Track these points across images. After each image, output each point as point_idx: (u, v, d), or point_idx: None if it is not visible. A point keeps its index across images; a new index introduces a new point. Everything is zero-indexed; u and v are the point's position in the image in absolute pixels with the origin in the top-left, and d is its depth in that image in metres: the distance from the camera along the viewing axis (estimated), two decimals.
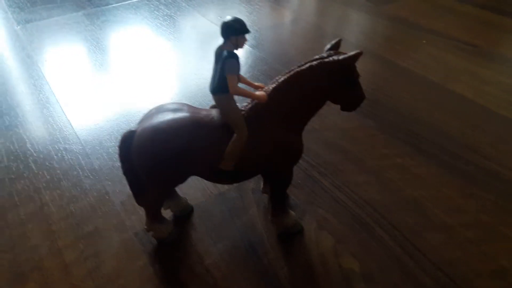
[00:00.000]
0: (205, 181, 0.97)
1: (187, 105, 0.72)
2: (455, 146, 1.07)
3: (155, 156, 0.68)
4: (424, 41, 1.53)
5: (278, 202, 0.81)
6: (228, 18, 0.63)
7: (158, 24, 1.65)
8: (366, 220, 0.88)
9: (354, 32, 1.64)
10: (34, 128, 1.12)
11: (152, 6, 1.78)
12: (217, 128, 0.69)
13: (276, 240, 0.84)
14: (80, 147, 1.05)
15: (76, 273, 0.77)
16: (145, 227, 0.81)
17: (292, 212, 0.85)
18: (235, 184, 0.96)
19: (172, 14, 1.71)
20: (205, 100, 1.22)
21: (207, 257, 0.80)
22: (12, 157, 1.03)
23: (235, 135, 0.68)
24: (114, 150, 1.03)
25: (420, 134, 1.11)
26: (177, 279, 0.76)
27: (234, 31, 0.62)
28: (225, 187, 0.95)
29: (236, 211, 0.90)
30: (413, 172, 1.00)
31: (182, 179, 0.74)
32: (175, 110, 0.69)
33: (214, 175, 0.72)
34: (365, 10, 1.76)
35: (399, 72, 1.37)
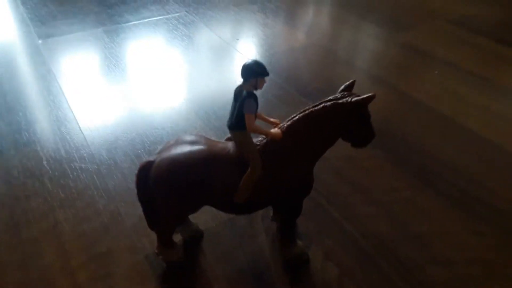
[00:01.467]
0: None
1: (204, 137, 0.75)
2: (463, 181, 1.08)
3: (172, 186, 0.70)
4: (436, 72, 1.55)
5: (287, 231, 0.84)
6: (249, 61, 0.66)
7: (176, 44, 1.69)
8: (372, 253, 0.90)
9: (367, 58, 1.67)
10: (52, 145, 1.15)
11: (171, 25, 1.82)
12: (233, 161, 0.71)
13: (283, 268, 0.86)
14: (96, 167, 1.08)
15: None
16: (156, 251, 0.83)
17: (300, 242, 0.87)
18: None
19: (190, 34, 1.75)
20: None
21: (216, 283, 0.82)
22: (28, 174, 1.06)
23: (249, 169, 0.70)
24: (129, 171, 1.05)
25: (428, 167, 1.13)
26: None
27: (254, 74, 0.65)
28: None
29: (245, 238, 0.92)
30: (420, 206, 1.02)
31: (196, 209, 0.77)
32: (192, 143, 0.72)
33: (228, 207, 0.74)
34: (379, 36, 1.79)
35: (409, 102, 1.39)
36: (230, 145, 0.74)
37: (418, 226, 0.96)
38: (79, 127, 1.22)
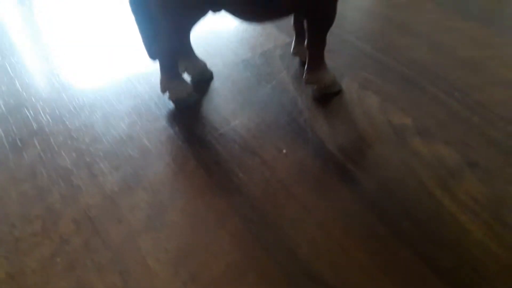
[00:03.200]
0: (223, 49, 0.84)
1: None
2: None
3: None
4: None
5: (316, 51, 0.68)
6: None
7: None
8: (416, 79, 0.75)
9: None
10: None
11: None
12: None
13: (312, 101, 0.71)
14: None
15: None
16: (161, 87, 0.69)
17: (330, 70, 0.72)
18: (258, 51, 0.83)
19: None
20: None
21: (233, 119, 0.69)
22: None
23: None
24: None
25: None
26: (200, 138, 0.65)
27: None
28: (248, 53, 0.83)
29: (264, 76, 0.77)
30: (466, 34, 0.85)
31: (199, 14, 0.61)
32: None
33: (246, 1, 0.59)
34: None
35: None
36: None
37: (469, 52, 0.81)
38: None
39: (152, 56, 0.68)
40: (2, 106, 0.74)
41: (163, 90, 0.69)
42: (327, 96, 0.72)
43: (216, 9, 0.62)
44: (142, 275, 0.47)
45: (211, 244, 0.50)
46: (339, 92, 0.73)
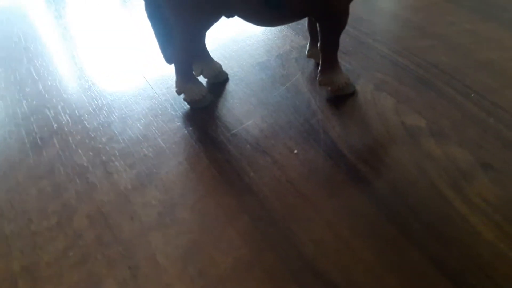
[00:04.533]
0: (240, 51, 0.85)
1: None
2: None
3: None
4: None
5: (329, 53, 0.69)
6: None
7: None
8: (432, 81, 0.74)
9: None
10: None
11: None
12: None
13: (326, 102, 0.72)
14: None
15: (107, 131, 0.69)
16: (176, 89, 0.71)
17: (344, 72, 0.73)
18: (274, 53, 0.84)
19: None
20: None
21: (246, 120, 0.69)
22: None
23: None
24: None
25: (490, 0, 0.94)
26: (213, 138, 0.66)
27: None
28: (263, 56, 0.83)
29: (278, 78, 0.78)
30: (486, 36, 0.84)
31: (212, 18, 0.62)
32: None
33: (256, 10, 0.60)
34: None
35: None
36: None
37: (487, 54, 0.79)
38: None
39: (168, 59, 0.70)
40: (25, 106, 0.77)
41: (179, 92, 0.71)
42: (341, 98, 0.72)
43: (229, 15, 0.63)
44: (151, 270, 0.48)
45: (219, 241, 0.51)
46: (353, 94, 0.73)
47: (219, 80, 0.78)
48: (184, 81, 0.70)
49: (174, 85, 0.74)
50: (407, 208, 0.53)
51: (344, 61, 0.80)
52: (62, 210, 0.56)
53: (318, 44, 0.69)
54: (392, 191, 0.56)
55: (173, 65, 0.72)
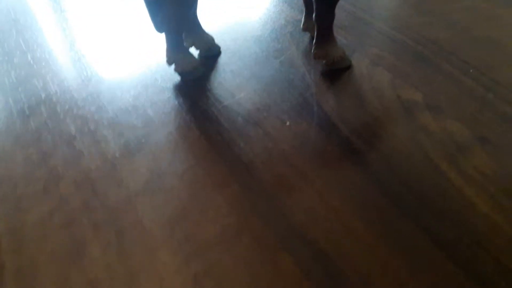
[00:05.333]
0: (234, 25, 0.84)
1: None
2: None
3: None
4: None
5: (324, 25, 0.67)
6: None
7: None
8: (430, 57, 0.73)
9: None
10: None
11: None
12: None
13: (320, 76, 0.70)
14: None
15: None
16: (167, 59, 0.69)
17: (339, 44, 0.71)
18: (268, 27, 0.82)
19: None
20: None
21: (239, 93, 0.68)
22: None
23: None
24: None
25: None
26: (203, 110, 0.64)
27: None
28: (258, 29, 0.82)
29: (272, 52, 0.76)
30: (485, 13, 0.83)
31: None
32: None
33: None
34: None
35: None
36: None
37: (486, 31, 0.78)
38: None
39: (158, 27, 0.68)
40: (13, 77, 0.75)
41: (169, 62, 0.69)
42: (336, 72, 0.71)
43: None
44: (137, 234, 0.47)
45: (208, 208, 0.50)
46: (348, 68, 0.71)
47: (211, 53, 0.76)
48: (175, 51, 0.68)
49: (165, 56, 0.72)
50: (400, 180, 0.52)
51: (340, 36, 0.79)
52: (49, 176, 0.55)
53: (313, 16, 0.67)
54: (385, 163, 0.54)
55: (163, 34, 0.70)
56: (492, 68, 0.69)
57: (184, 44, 0.71)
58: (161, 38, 0.81)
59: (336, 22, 0.81)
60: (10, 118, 0.65)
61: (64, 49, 0.82)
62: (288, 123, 0.61)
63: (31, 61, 0.78)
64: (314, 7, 0.66)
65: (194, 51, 0.77)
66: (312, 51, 0.70)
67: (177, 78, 0.71)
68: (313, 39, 0.78)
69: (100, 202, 0.51)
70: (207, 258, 0.45)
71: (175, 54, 0.68)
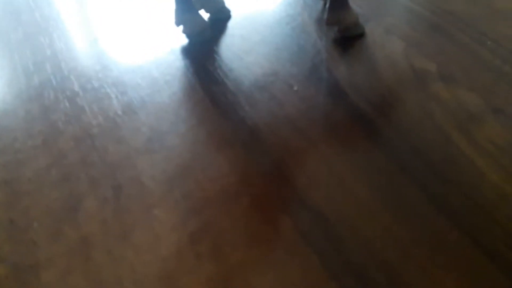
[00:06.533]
0: None
1: None
2: None
3: None
4: None
5: None
6: None
7: None
8: (447, 28, 0.70)
9: None
10: None
11: None
12: None
13: (332, 43, 0.68)
14: None
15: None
16: (175, 19, 0.67)
17: (354, 10, 0.68)
18: None
19: None
20: None
21: (246, 56, 0.66)
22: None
23: None
24: None
25: None
26: (209, 72, 0.63)
27: None
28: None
29: (284, 18, 0.74)
30: None
31: None
32: None
33: None
34: None
35: None
36: None
37: (506, 2, 0.75)
38: None
39: None
40: (20, 33, 0.74)
41: (177, 22, 0.67)
42: (348, 39, 0.68)
43: None
44: (135, 190, 0.46)
45: (208, 168, 0.49)
46: (361, 36, 0.69)
47: (221, 16, 0.74)
48: (183, 11, 0.66)
49: (173, 17, 0.70)
50: (409, 147, 0.50)
51: (354, 4, 0.76)
52: (49, 131, 0.54)
53: None
54: (394, 130, 0.53)
55: None
56: (510, 41, 0.66)
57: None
58: None
59: None
60: (14, 73, 0.65)
61: (73, 9, 0.80)
62: (296, 88, 0.60)
63: (39, 19, 0.77)
64: None
65: (203, 15, 0.75)
66: (325, 16, 0.68)
67: (184, 40, 0.69)
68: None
69: (99, 158, 0.50)
70: (205, 216, 0.44)
71: (184, 15, 0.66)
